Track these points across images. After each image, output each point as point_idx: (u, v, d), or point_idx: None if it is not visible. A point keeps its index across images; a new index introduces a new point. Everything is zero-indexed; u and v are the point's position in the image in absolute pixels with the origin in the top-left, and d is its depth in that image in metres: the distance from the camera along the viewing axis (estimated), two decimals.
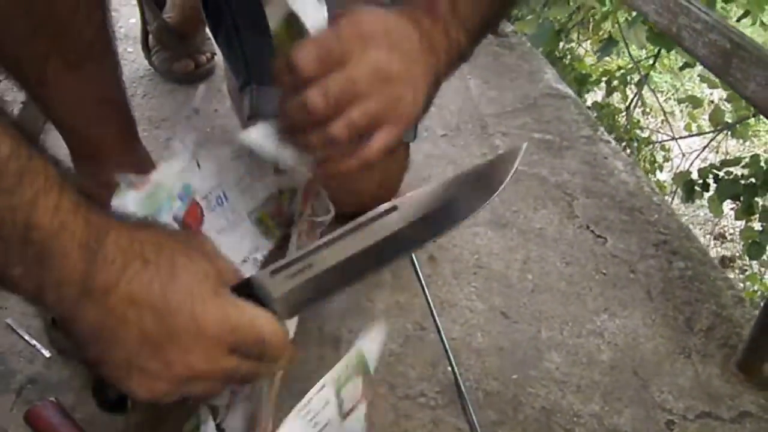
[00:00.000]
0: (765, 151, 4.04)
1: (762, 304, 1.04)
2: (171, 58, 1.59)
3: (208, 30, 1.43)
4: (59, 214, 0.53)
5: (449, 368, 0.99)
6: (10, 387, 0.92)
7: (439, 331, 1.02)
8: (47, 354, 0.96)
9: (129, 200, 0.77)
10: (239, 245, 0.92)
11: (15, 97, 1.32)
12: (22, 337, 0.98)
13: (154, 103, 1.54)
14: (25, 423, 0.85)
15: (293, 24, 0.77)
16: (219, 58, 1.61)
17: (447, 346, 1.00)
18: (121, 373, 0.59)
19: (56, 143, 1.19)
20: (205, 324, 0.59)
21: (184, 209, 0.84)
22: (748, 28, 3.46)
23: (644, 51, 3.20)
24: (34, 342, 0.97)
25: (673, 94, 4.55)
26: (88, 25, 0.88)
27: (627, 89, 3.34)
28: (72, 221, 0.54)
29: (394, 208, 0.68)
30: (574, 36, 3.57)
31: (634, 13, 2.63)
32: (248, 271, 0.70)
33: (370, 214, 0.68)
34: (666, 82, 4.70)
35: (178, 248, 0.61)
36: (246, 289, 0.65)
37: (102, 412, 0.87)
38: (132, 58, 1.66)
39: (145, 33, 1.61)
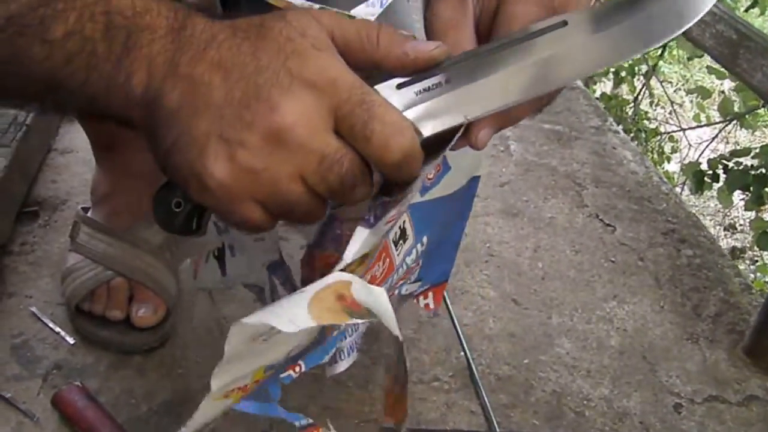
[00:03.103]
0: None
1: None
2: None
3: None
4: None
5: (462, 353, 1.02)
6: (36, 372, 0.95)
7: (451, 318, 1.04)
8: (71, 341, 0.98)
9: None
10: None
11: None
12: (47, 325, 1.00)
13: None
14: (52, 407, 0.88)
15: None
16: None
17: (460, 332, 1.03)
18: (198, 149, 0.51)
19: (77, 135, 1.22)
20: (299, 73, 0.50)
21: None
22: (757, 18, 3.47)
23: None
24: (58, 329, 0.99)
25: (683, 85, 4.54)
26: None
27: (635, 80, 3.34)
28: (155, 4, 0.51)
29: (563, 23, 0.56)
30: None
31: None
32: None
33: (531, 27, 0.56)
34: (676, 72, 4.69)
35: (276, 16, 0.53)
36: None
37: (125, 394, 0.91)
38: None
39: None
